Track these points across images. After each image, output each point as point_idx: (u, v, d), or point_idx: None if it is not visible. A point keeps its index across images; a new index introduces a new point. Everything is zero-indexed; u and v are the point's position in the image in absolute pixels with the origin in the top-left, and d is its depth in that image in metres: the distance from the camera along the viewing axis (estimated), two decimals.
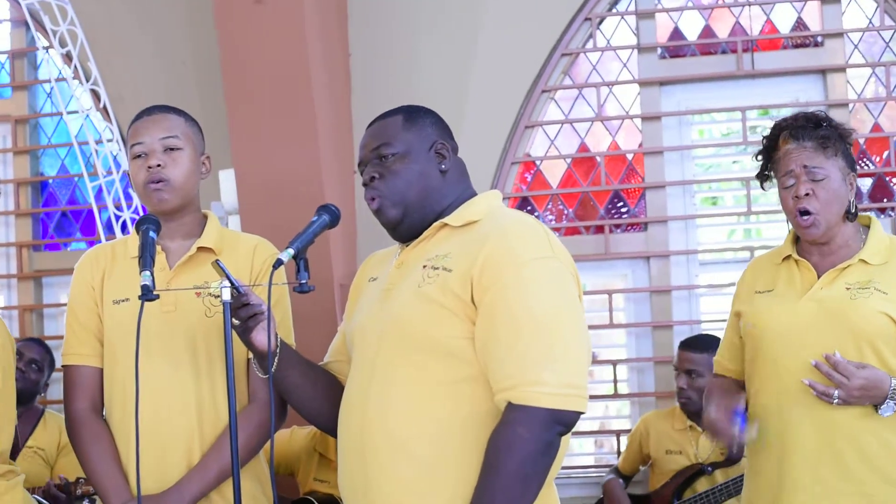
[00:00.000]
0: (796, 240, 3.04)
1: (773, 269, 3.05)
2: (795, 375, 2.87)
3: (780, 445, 2.91)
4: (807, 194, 2.90)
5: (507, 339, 2.24)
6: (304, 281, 2.42)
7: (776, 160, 2.99)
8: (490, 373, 2.27)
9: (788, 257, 3.03)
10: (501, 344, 2.25)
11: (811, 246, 2.99)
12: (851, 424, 2.84)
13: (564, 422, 2.25)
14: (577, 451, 5.06)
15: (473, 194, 2.53)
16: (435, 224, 2.45)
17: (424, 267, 2.37)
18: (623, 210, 4.93)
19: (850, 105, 4.82)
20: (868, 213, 3.10)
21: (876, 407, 2.82)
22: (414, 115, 2.54)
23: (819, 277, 2.94)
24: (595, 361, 4.96)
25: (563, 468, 4.84)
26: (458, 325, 2.30)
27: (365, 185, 2.51)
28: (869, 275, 2.91)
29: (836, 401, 2.79)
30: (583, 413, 2.27)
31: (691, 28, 4.96)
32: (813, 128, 2.97)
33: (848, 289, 2.89)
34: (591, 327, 4.76)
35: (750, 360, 3.04)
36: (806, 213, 2.91)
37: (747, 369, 3.05)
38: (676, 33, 4.96)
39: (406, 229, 2.49)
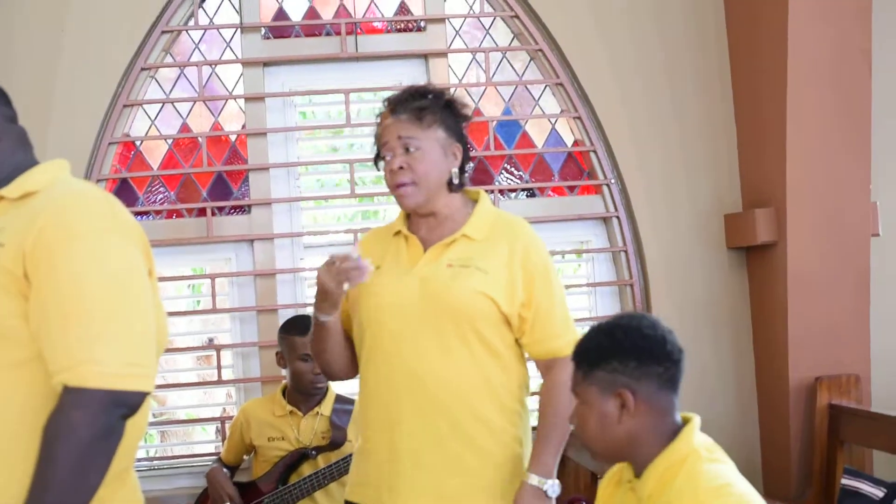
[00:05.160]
0: (409, 215, 3.01)
1: (384, 245, 3.01)
2: (400, 355, 2.87)
3: (388, 421, 2.90)
4: (401, 167, 2.88)
5: (60, 316, 2.06)
6: None
7: (378, 137, 2.97)
8: (46, 353, 2.07)
9: (399, 232, 2.99)
10: (55, 321, 2.06)
11: (420, 220, 2.97)
12: (451, 403, 2.86)
13: (127, 403, 2.08)
14: (200, 440, 4.93)
15: (35, 164, 2.32)
16: None
17: None
18: (226, 192, 4.82)
19: (452, 90, 4.86)
20: (479, 188, 3.09)
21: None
22: None
23: (425, 253, 2.92)
24: (208, 346, 4.85)
25: (185, 457, 4.73)
26: (12, 304, 2.09)
27: None
28: (471, 251, 2.90)
29: None
30: (149, 392, 2.13)
31: (296, 9, 4.90)
32: (411, 100, 2.94)
33: (450, 266, 2.88)
34: (195, 313, 4.72)
35: (358, 337, 3.01)
36: (402, 185, 2.89)
37: (356, 347, 3.03)
38: (281, 14, 4.89)
39: None
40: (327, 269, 2.85)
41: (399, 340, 2.88)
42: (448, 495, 2.87)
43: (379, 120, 2.99)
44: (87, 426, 2.03)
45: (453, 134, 2.96)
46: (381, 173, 2.96)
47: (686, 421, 2.40)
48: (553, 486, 2.88)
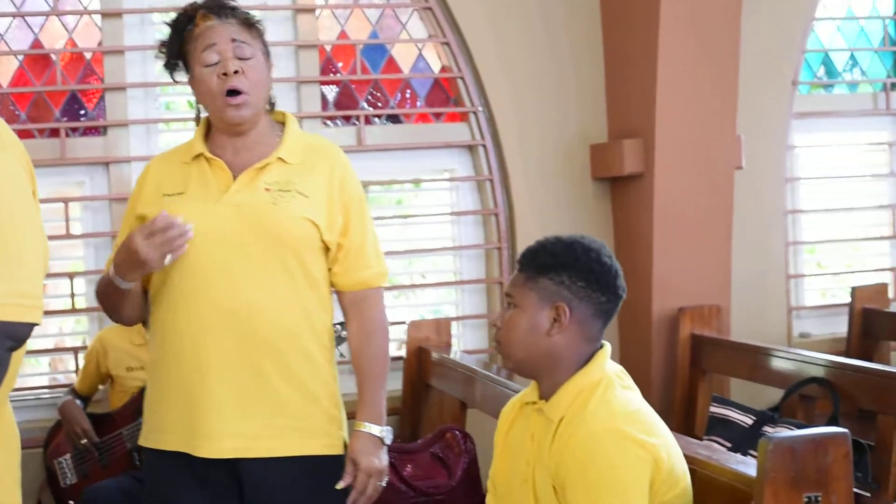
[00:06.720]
0: (206, 136, 2.81)
1: (182, 169, 2.78)
2: (211, 292, 2.68)
3: (195, 364, 2.71)
4: (236, 72, 2.69)
5: None
6: None
7: (193, 39, 2.74)
8: None
9: (200, 156, 2.78)
10: None
11: (225, 142, 2.78)
12: (275, 339, 2.70)
13: (16, 336, 2.00)
14: (32, 372, 4.72)
15: None
16: None
17: None
18: (81, 113, 4.61)
19: (318, 11, 4.74)
20: (284, 111, 2.93)
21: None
22: None
23: (235, 178, 2.73)
24: (50, 275, 4.64)
25: (17, 390, 4.51)
26: None
27: None
28: (289, 175, 2.75)
29: None
30: (38, 325, 2.03)
31: None
32: (232, 8, 2.78)
33: (268, 190, 2.72)
34: (47, 238, 4.50)
35: (156, 275, 2.78)
36: (236, 91, 2.69)
37: (155, 277, 2.79)
38: None
39: None
40: (148, 240, 2.59)
41: (210, 275, 2.69)
42: (267, 436, 2.71)
43: (182, 23, 2.78)
44: None
45: (267, 53, 2.83)
46: None
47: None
48: (388, 433, 2.82)
